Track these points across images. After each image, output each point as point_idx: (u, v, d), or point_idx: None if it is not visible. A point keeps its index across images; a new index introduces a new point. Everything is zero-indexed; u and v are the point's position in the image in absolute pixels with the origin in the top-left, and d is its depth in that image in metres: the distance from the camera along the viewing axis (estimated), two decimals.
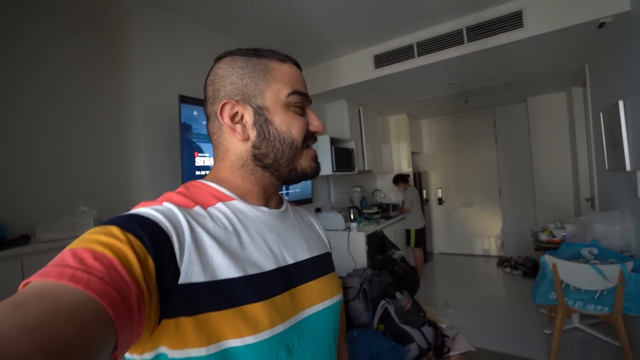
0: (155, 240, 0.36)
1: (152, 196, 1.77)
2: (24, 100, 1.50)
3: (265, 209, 0.51)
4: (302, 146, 0.50)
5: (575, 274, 1.97)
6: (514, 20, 2.19)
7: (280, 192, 0.59)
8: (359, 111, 3.78)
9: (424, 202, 4.81)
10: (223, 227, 0.44)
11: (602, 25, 2.05)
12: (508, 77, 3.19)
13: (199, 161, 1.90)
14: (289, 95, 0.49)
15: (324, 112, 3.67)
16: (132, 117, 1.82)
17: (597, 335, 2.35)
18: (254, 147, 0.49)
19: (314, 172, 0.53)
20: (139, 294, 0.31)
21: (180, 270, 0.37)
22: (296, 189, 2.78)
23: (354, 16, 2.26)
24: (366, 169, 3.81)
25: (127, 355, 0.38)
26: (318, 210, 3.40)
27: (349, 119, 3.56)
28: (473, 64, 2.70)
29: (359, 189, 4.12)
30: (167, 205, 0.42)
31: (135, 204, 1.64)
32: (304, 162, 0.51)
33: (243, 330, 0.39)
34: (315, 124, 0.52)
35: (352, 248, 3.02)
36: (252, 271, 0.43)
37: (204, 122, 1.95)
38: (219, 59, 0.51)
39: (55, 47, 1.64)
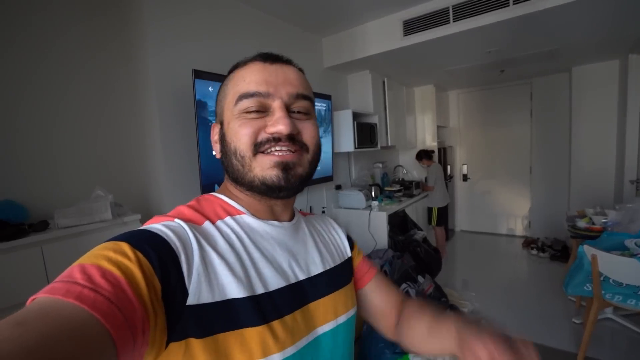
0: (163, 259, 0.35)
1: (169, 179, 1.75)
2: (40, 84, 1.46)
3: (276, 222, 0.49)
4: (254, 152, 0.44)
5: (617, 267, 1.82)
6: None
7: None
8: (384, 82, 3.53)
9: (448, 179, 4.61)
10: (231, 245, 0.43)
11: None
12: (554, 44, 2.83)
13: None
14: (236, 103, 0.44)
15: (347, 84, 3.45)
16: (146, 97, 1.74)
17: (631, 328, 2.23)
18: (222, 163, 0.49)
19: (279, 181, 0.44)
20: (144, 314, 0.31)
21: (189, 290, 0.36)
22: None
23: None
24: (389, 144, 3.64)
25: None
26: (338, 187, 3.30)
27: (372, 91, 3.33)
28: (516, 30, 2.39)
29: (380, 165, 3.97)
30: (178, 222, 0.41)
31: (152, 187, 1.58)
32: (258, 172, 0.44)
33: (253, 353, 0.38)
34: (272, 124, 0.43)
35: (372, 228, 2.95)
36: (260, 290, 0.42)
37: None
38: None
39: (69, 31, 1.56)
